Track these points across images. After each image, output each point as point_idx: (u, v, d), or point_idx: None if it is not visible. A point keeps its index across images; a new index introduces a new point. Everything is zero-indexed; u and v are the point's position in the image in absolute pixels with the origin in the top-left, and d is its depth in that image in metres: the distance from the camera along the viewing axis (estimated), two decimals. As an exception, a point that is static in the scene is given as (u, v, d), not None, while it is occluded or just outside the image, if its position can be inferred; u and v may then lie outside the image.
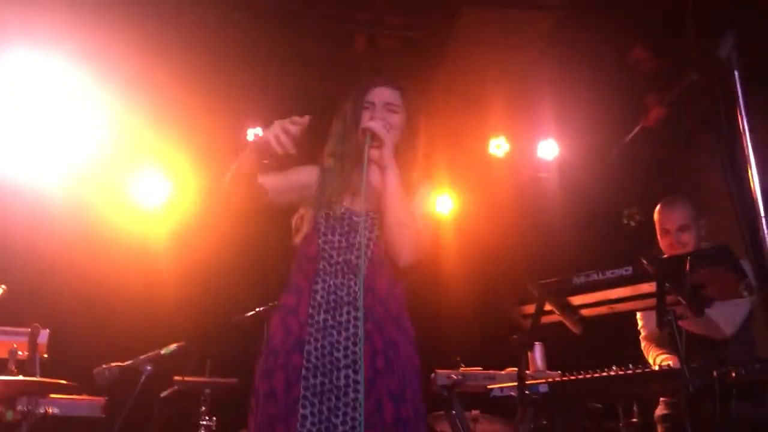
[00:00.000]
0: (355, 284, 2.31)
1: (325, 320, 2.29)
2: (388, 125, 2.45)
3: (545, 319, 3.15)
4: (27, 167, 4.94)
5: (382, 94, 2.54)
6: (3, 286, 3.67)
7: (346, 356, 2.24)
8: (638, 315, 3.70)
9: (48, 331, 3.96)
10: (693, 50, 4.39)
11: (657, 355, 3.52)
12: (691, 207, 3.59)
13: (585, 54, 5.06)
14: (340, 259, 2.36)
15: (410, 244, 2.37)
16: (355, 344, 2.24)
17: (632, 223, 5.39)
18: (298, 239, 2.48)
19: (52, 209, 4.88)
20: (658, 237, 3.64)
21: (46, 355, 3.87)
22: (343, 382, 2.22)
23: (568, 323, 3.13)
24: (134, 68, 5.03)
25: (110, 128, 5.21)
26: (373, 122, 2.43)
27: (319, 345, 2.26)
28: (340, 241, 2.40)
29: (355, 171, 2.51)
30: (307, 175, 2.56)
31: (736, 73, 2.08)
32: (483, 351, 4.34)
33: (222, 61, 5.13)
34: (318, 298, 2.32)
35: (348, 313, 2.29)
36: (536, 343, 3.93)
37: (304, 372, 2.22)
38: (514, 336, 3.18)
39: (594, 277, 2.94)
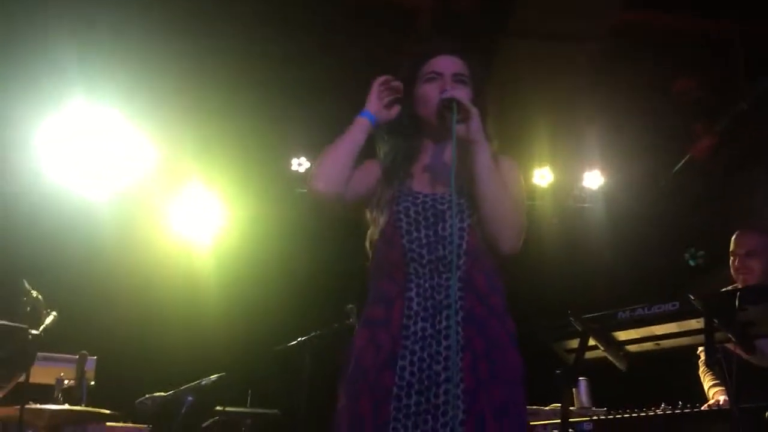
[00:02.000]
0: (454, 283, 1.99)
1: (424, 329, 1.98)
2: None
3: (590, 354, 3.09)
4: (78, 197, 5.07)
5: (449, 63, 2.19)
6: (54, 313, 3.73)
7: (446, 368, 1.93)
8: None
9: (95, 358, 4.03)
10: (741, 80, 4.35)
11: (710, 386, 3.44)
12: (765, 236, 3.58)
13: (630, 83, 5.01)
14: (433, 257, 2.02)
15: (512, 227, 2.07)
16: (456, 354, 1.93)
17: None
18: (371, 243, 2.17)
19: (102, 237, 4.99)
20: (730, 261, 3.61)
21: (93, 383, 3.94)
22: (442, 399, 1.91)
23: (613, 359, 3.06)
24: (183, 100, 5.15)
25: (160, 159, 5.33)
26: (456, 91, 2.10)
27: (416, 358, 1.95)
28: (428, 236, 2.05)
29: (424, 151, 2.23)
30: (367, 170, 2.22)
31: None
32: (526, 385, 4.26)
33: (267, 92, 5.22)
34: (414, 306, 2.00)
35: (448, 318, 1.97)
36: (581, 378, 3.85)
37: (396, 391, 1.92)
38: (558, 371, 3.13)
39: (639, 312, 2.87)
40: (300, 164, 5.83)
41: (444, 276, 2.00)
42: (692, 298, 2.67)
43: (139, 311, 4.99)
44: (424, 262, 2.03)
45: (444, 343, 1.95)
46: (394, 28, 4.89)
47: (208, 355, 4.57)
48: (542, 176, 5.93)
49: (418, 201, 2.11)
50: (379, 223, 2.13)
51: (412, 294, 2.01)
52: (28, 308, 3.50)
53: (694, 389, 3.57)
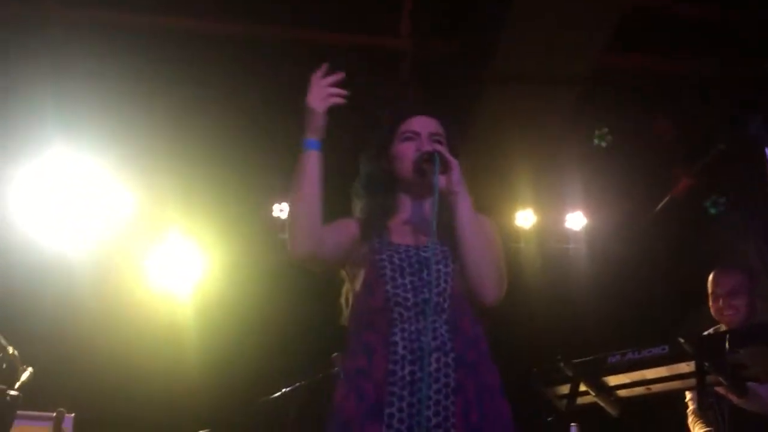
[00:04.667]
0: (441, 326, 2.00)
1: (412, 373, 1.94)
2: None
3: (581, 400, 3.05)
4: (54, 248, 4.99)
5: (425, 123, 2.27)
6: (30, 369, 3.63)
7: (437, 413, 1.90)
8: (686, 388, 3.58)
9: (73, 415, 3.91)
10: (719, 122, 4.41)
11: None
12: (745, 274, 3.54)
13: (611, 125, 5.07)
14: (419, 300, 2.02)
15: (495, 278, 2.09)
16: (447, 397, 1.92)
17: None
18: (346, 299, 2.21)
19: (79, 289, 4.91)
20: (710, 303, 3.57)
21: (71, 441, 3.82)
22: None
23: (604, 404, 3.02)
24: (162, 147, 5.12)
25: (138, 208, 5.28)
26: (437, 146, 2.18)
27: (404, 404, 1.91)
28: (412, 282, 2.06)
29: (401, 206, 2.26)
30: (346, 228, 2.23)
31: (766, 150, 2.05)
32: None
33: (247, 138, 5.21)
34: (399, 350, 1.97)
35: (438, 360, 1.96)
36: (572, 425, 3.80)
37: None
38: (550, 418, 3.08)
39: (630, 356, 2.86)
40: (282, 210, 5.77)
41: (430, 318, 1.99)
42: (682, 341, 2.66)
43: (118, 365, 4.87)
44: (409, 305, 2.02)
45: (434, 386, 1.93)
46: (376, 72, 4.92)
47: (191, 409, 4.47)
48: (525, 218, 5.95)
49: (401, 250, 2.12)
50: (359, 276, 2.14)
51: (397, 338, 1.98)
52: (4, 365, 3.40)
53: (686, 434, 3.53)
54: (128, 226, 5.25)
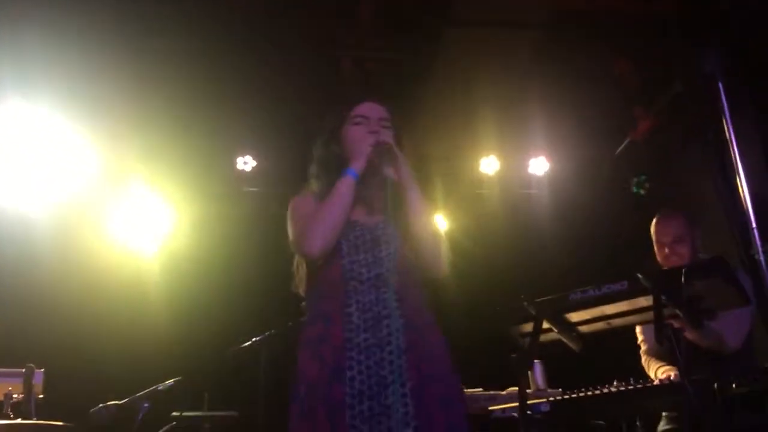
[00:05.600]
0: (390, 297, 2.26)
1: (366, 339, 2.20)
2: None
3: (544, 337, 3.13)
4: (18, 206, 4.91)
5: (374, 109, 2.50)
6: (-4, 328, 3.62)
7: (392, 372, 2.16)
8: (637, 330, 3.69)
9: (43, 371, 3.91)
10: (677, 61, 4.45)
11: (657, 368, 3.51)
12: (686, 219, 3.60)
13: (571, 69, 5.08)
14: (372, 275, 2.29)
15: (442, 255, 2.39)
16: (399, 357, 2.18)
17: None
18: (301, 267, 2.43)
19: (43, 247, 4.85)
20: (655, 250, 3.65)
21: (41, 396, 3.83)
22: (391, 399, 2.12)
23: (566, 340, 3.10)
24: (124, 101, 5.04)
25: (101, 164, 5.21)
26: (386, 136, 2.39)
27: (363, 367, 2.17)
28: (366, 258, 2.32)
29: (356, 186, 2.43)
30: (305, 206, 2.44)
31: (720, 84, 2.10)
32: (482, 372, 4.30)
33: (208, 92, 5.15)
34: (354, 319, 2.22)
35: (387, 326, 2.22)
36: (536, 361, 3.90)
37: (348, 400, 2.12)
38: (513, 355, 3.16)
39: (590, 293, 2.92)
40: (245, 162, 5.80)
41: (381, 291, 2.26)
42: (640, 276, 2.73)
43: (87, 321, 4.86)
44: (363, 279, 2.28)
45: (387, 348, 2.19)
46: (337, 18, 4.87)
47: (162, 360, 4.49)
48: (488, 165, 6.00)
49: (356, 227, 2.36)
50: None
51: (352, 309, 2.24)
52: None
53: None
54: (92, 182, 5.18)
